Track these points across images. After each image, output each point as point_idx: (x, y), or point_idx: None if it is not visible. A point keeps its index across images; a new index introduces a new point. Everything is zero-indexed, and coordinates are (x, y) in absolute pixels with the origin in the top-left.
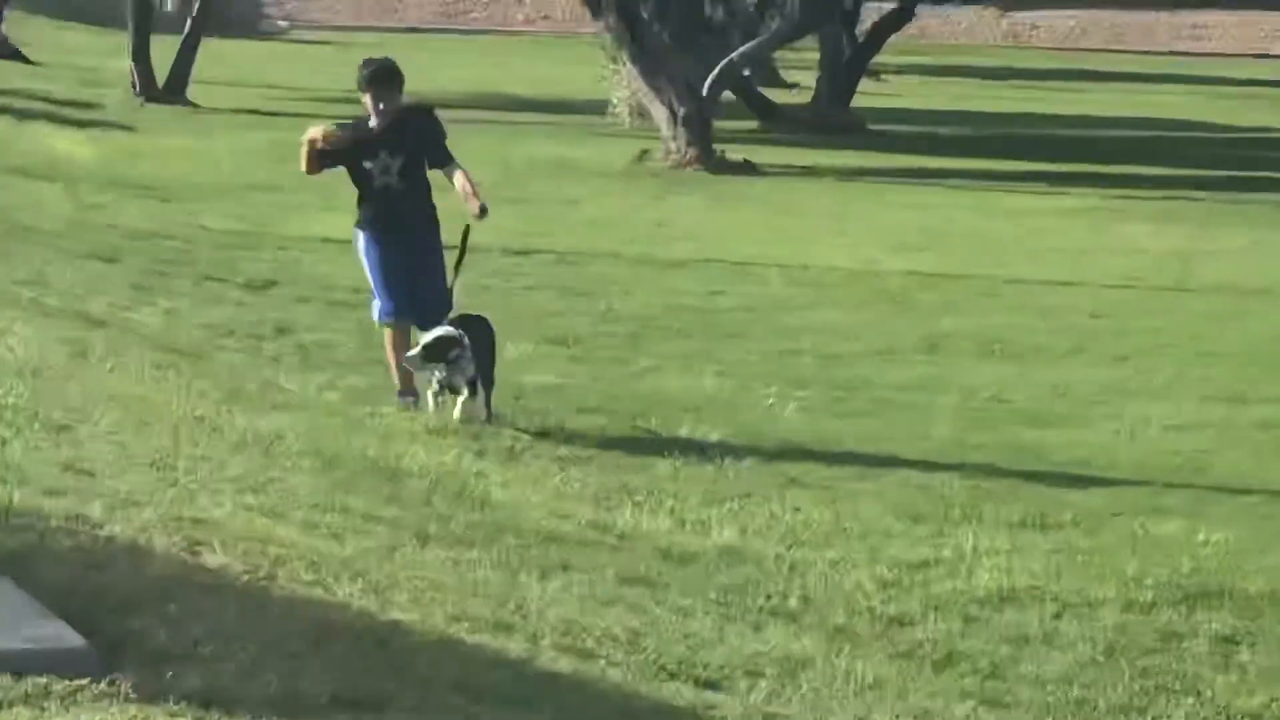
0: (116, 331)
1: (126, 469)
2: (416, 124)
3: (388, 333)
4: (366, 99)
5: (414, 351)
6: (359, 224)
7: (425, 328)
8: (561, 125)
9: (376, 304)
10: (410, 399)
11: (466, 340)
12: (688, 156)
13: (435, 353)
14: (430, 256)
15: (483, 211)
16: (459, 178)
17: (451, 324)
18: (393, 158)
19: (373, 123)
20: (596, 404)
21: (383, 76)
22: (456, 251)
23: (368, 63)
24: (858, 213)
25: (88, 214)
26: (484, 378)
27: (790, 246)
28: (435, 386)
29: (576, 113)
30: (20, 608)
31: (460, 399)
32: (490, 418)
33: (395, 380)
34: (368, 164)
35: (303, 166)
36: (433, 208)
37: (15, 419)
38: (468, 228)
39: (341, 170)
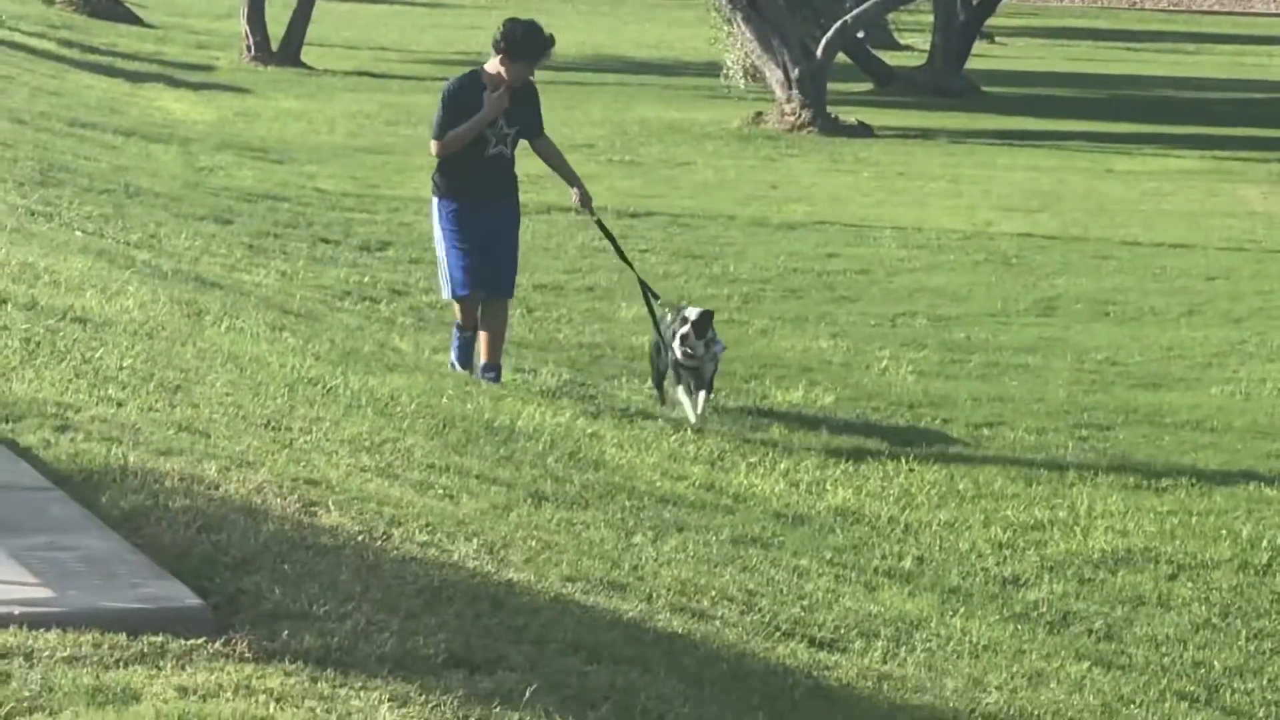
0: (231, 293)
1: (241, 430)
2: (530, 94)
3: (459, 306)
4: (510, 66)
5: (684, 329)
6: (445, 193)
7: (498, 294)
8: (675, 88)
9: (446, 278)
10: (463, 341)
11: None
12: (802, 119)
13: (702, 327)
14: (514, 226)
15: (585, 202)
16: (557, 157)
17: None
18: (509, 126)
19: (492, 90)
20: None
21: (543, 48)
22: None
23: (526, 31)
24: (971, 175)
25: (202, 176)
26: (713, 376)
27: (904, 209)
28: (675, 385)
29: (690, 75)
30: (136, 567)
31: (701, 396)
32: (703, 420)
33: (460, 317)
34: (488, 131)
35: (451, 146)
36: (516, 178)
37: (130, 380)
38: (599, 221)
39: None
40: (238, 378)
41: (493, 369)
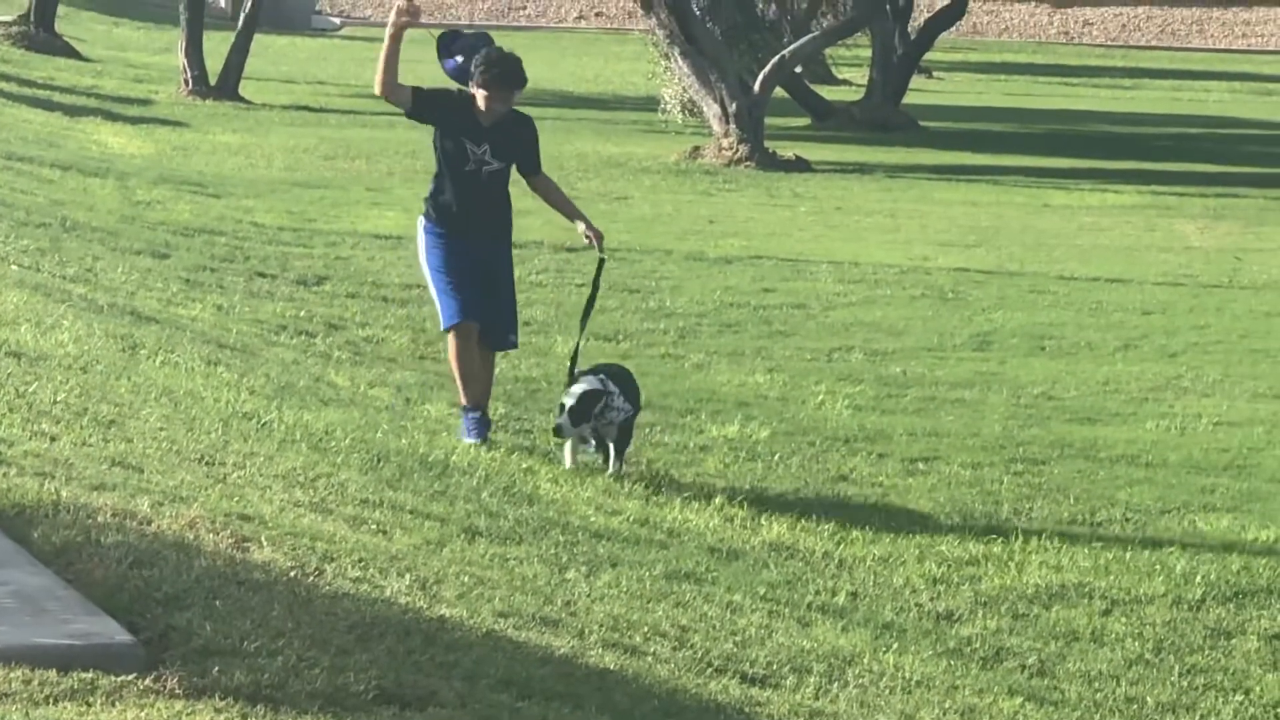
0: (167, 327)
1: (175, 465)
2: (524, 135)
3: (453, 340)
4: (482, 96)
5: (560, 419)
6: (430, 217)
7: (493, 347)
8: (613, 122)
9: (441, 308)
10: (475, 423)
11: (610, 385)
12: (739, 153)
13: (581, 413)
14: (505, 268)
15: (598, 241)
16: (557, 194)
17: (588, 374)
18: (494, 158)
19: (479, 117)
20: (646, 400)
21: (512, 80)
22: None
23: (494, 60)
24: (909, 210)
25: (139, 210)
26: (622, 439)
27: (841, 243)
28: (584, 447)
29: (627, 109)
30: (67, 603)
31: (614, 456)
32: (619, 473)
33: (462, 397)
34: (472, 146)
35: (379, 71)
36: (510, 218)
37: (64, 414)
38: (602, 261)
39: (388, 169)
40: (172, 412)
41: (476, 409)
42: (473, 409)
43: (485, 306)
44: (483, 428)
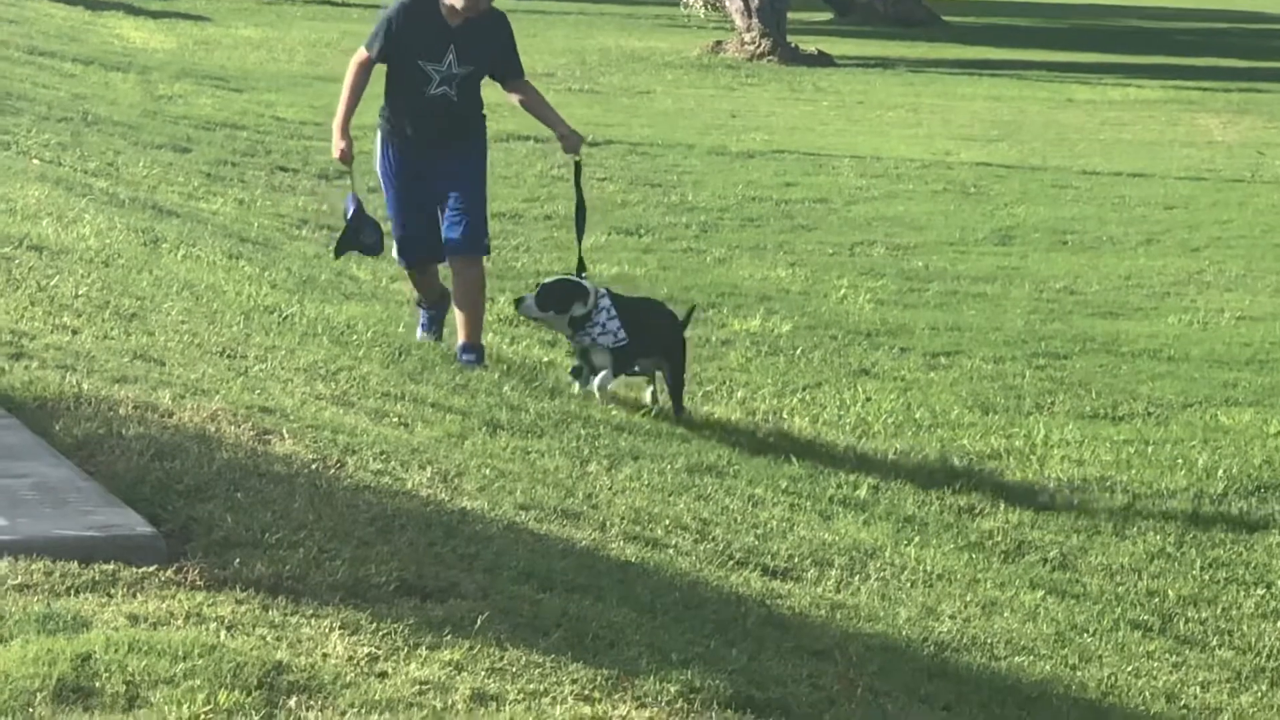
0: (188, 221)
1: (196, 358)
2: (495, 31)
3: (408, 274)
4: None
5: (526, 297)
6: (385, 134)
7: (462, 251)
8: (635, 17)
9: (395, 242)
10: (428, 319)
11: (605, 300)
12: (761, 48)
13: (551, 299)
14: (472, 178)
15: (572, 144)
16: (537, 100)
17: (605, 292)
18: (460, 64)
19: (448, 18)
20: (668, 294)
21: None
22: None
23: None
24: (931, 105)
25: (160, 104)
26: (674, 372)
27: (863, 138)
28: (573, 360)
29: (650, 4)
30: (88, 495)
31: (597, 378)
32: (681, 411)
33: (419, 295)
34: (427, 65)
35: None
36: (483, 124)
37: (86, 308)
38: (578, 165)
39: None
40: (193, 306)
41: (472, 350)
42: (426, 306)
43: (428, 228)
44: (434, 327)
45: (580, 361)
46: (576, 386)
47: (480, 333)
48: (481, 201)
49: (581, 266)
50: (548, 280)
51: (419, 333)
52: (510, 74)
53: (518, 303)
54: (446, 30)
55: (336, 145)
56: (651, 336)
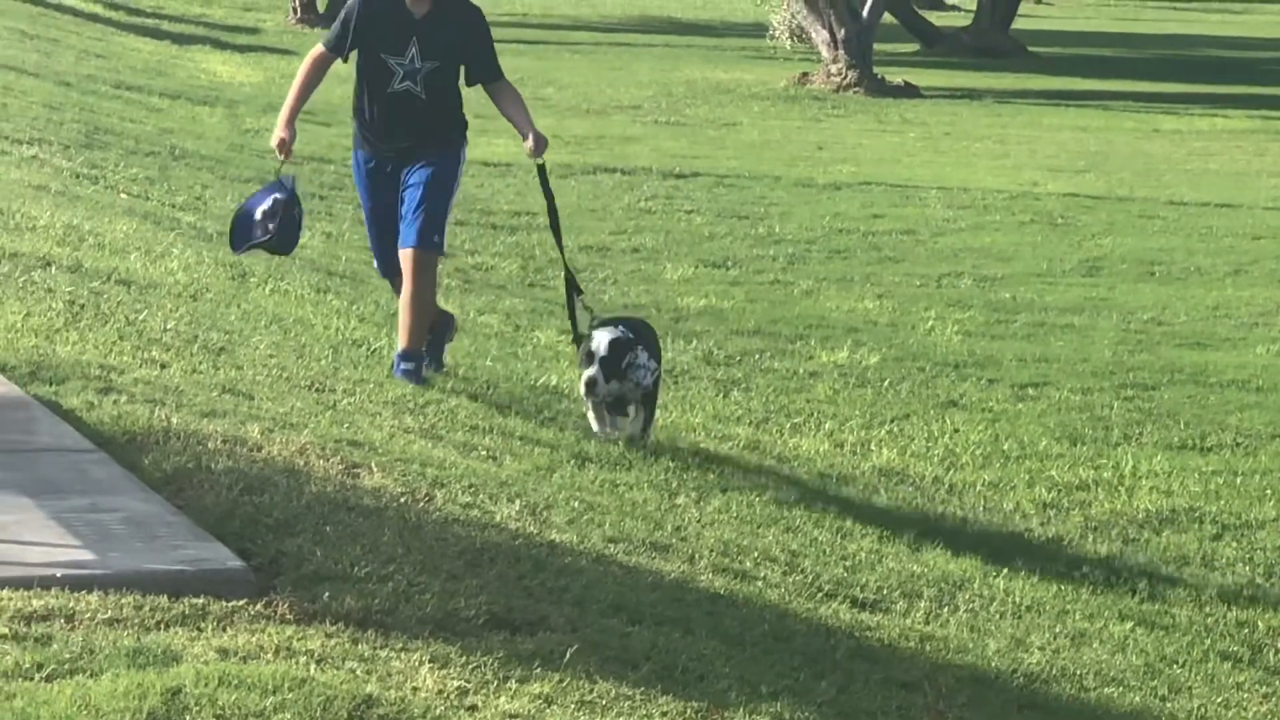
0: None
1: (285, 391)
2: (466, 24)
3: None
4: None
5: (591, 372)
6: (357, 138)
7: (405, 245)
8: (721, 49)
9: (373, 253)
10: (423, 368)
11: (632, 336)
12: (848, 79)
13: (614, 364)
14: (437, 179)
15: (538, 147)
16: (512, 103)
17: (607, 324)
18: (424, 59)
19: (411, 8)
20: (755, 326)
21: None
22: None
23: None
24: (1018, 135)
25: (247, 138)
26: (648, 396)
27: (950, 169)
28: (594, 408)
29: (736, 36)
30: (178, 529)
31: (629, 419)
32: (645, 440)
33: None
34: (389, 58)
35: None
36: (459, 133)
37: (174, 342)
38: (541, 168)
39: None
40: (282, 340)
41: (410, 358)
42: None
43: (413, 212)
44: (434, 351)
45: (611, 402)
46: (597, 423)
47: (422, 339)
48: (441, 201)
49: (572, 281)
50: (600, 348)
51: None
52: (486, 75)
53: (589, 388)
54: (410, 22)
55: (276, 134)
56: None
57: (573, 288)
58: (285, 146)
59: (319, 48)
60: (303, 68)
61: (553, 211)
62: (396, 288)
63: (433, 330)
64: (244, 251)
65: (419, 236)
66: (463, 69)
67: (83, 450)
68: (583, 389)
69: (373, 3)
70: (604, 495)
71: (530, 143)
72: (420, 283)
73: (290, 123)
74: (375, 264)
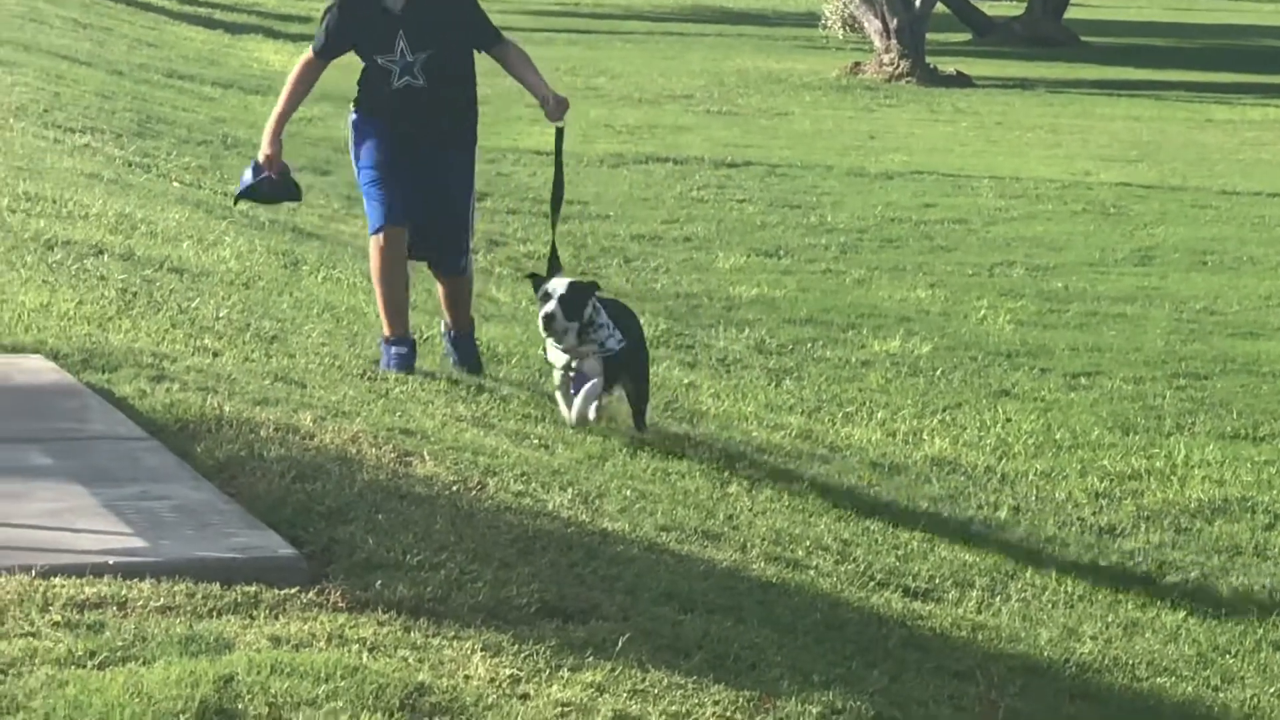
0: (328, 244)
1: (337, 380)
2: (449, 4)
3: (376, 248)
4: None
5: (549, 307)
6: (361, 126)
7: (443, 271)
8: (773, 38)
9: (369, 210)
10: (398, 358)
11: (600, 308)
12: (900, 69)
13: (574, 305)
14: (458, 179)
15: (558, 109)
16: (522, 65)
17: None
18: (414, 51)
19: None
20: (808, 315)
21: None
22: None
23: None
24: (1070, 125)
25: (300, 127)
26: (638, 388)
27: (1002, 159)
28: (558, 376)
29: (788, 25)
30: (230, 517)
31: (585, 391)
32: (643, 427)
33: (385, 326)
34: (382, 58)
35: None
36: (471, 116)
37: (227, 330)
38: (560, 132)
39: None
40: (334, 328)
41: (464, 336)
42: (396, 341)
43: (430, 225)
44: (408, 359)
45: (562, 374)
46: (565, 408)
47: (469, 321)
48: (467, 219)
49: (555, 259)
50: (558, 289)
51: (386, 368)
52: (483, 42)
53: (547, 322)
54: (390, 17)
55: (263, 150)
56: (628, 339)
57: (555, 267)
58: (273, 162)
59: (307, 53)
60: (291, 75)
61: (559, 183)
62: (389, 244)
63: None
64: (245, 198)
65: (458, 267)
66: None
67: (135, 438)
68: (541, 325)
69: (347, 6)
70: (656, 483)
71: (550, 105)
72: (467, 288)
73: (276, 137)
74: (374, 217)
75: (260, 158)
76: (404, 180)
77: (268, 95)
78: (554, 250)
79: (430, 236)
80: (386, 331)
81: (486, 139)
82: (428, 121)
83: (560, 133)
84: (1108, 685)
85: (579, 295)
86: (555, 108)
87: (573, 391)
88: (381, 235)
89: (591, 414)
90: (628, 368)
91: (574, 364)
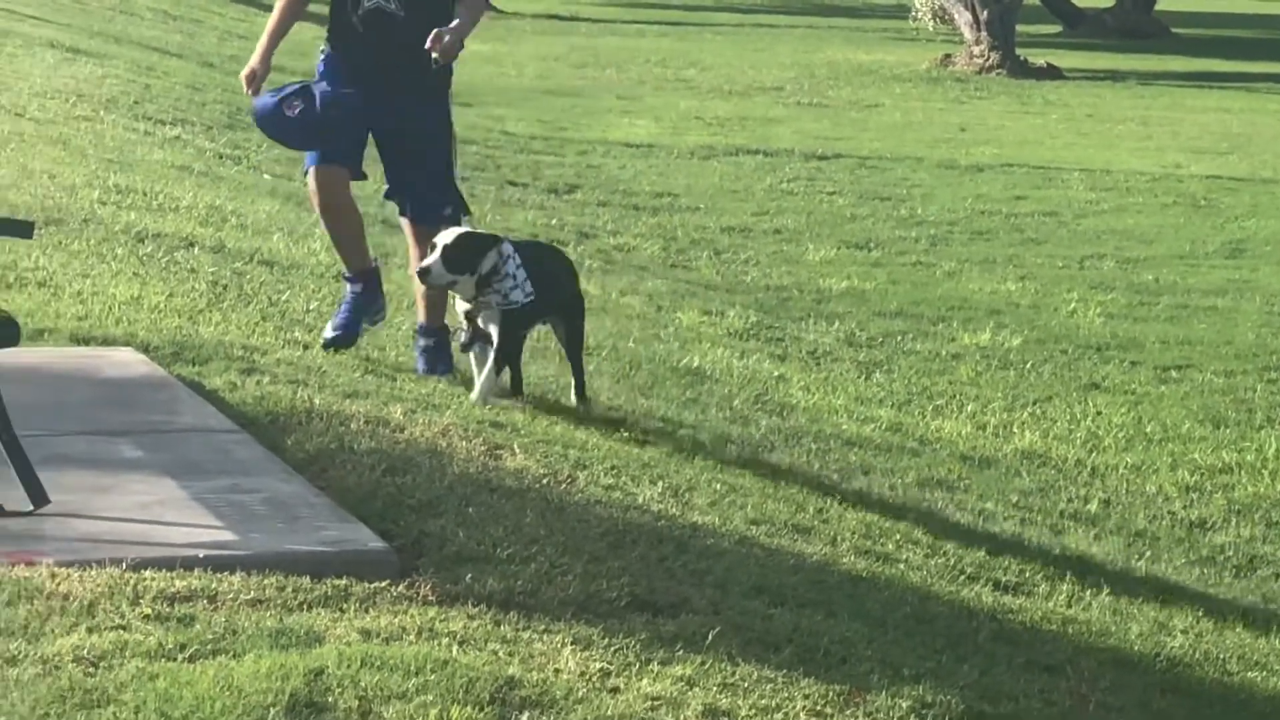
0: None
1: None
2: None
3: (312, 186)
4: None
5: (429, 260)
6: (329, 39)
7: (424, 221)
8: (863, 30)
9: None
10: (350, 300)
11: (509, 247)
12: (990, 61)
13: (461, 258)
14: (432, 128)
15: (437, 42)
16: (468, 8)
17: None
18: None
19: None
20: (898, 308)
21: None
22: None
23: None
24: (1160, 117)
25: None
26: (572, 339)
27: (1093, 151)
28: (461, 333)
29: (878, 17)
30: (320, 510)
31: (482, 378)
32: (583, 400)
33: (343, 265)
34: None
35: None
36: (444, 69)
37: (317, 322)
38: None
39: (639, 77)
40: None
41: (431, 333)
42: (353, 278)
43: (407, 178)
44: (365, 302)
45: (469, 330)
46: (478, 368)
47: (444, 314)
48: (443, 165)
49: (462, 207)
50: (445, 238)
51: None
52: None
53: (422, 274)
54: None
55: (249, 65)
56: (550, 291)
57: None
58: (255, 79)
59: None
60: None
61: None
62: (322, 190)
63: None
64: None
65: (444, 215)
66: None
67: (225, 431)
68: (416, 275)
69: None
70: (746, 477)
71: (445, 42)
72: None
73: (267, 55)
74: (310, 157)
75: (245, 71)
76: (358, 118)
77: None
78: (460, 199)
79: (413, 189)
80: (344, 269)
81: (578, 130)
82: (397, 55)
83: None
84: (1198, 679)
85: (468, 246)
86: (442, 45)
87: (476, 352)
88: (315, 177)
89: (490, 398)
90: (547, 317)
91: (479, 319)
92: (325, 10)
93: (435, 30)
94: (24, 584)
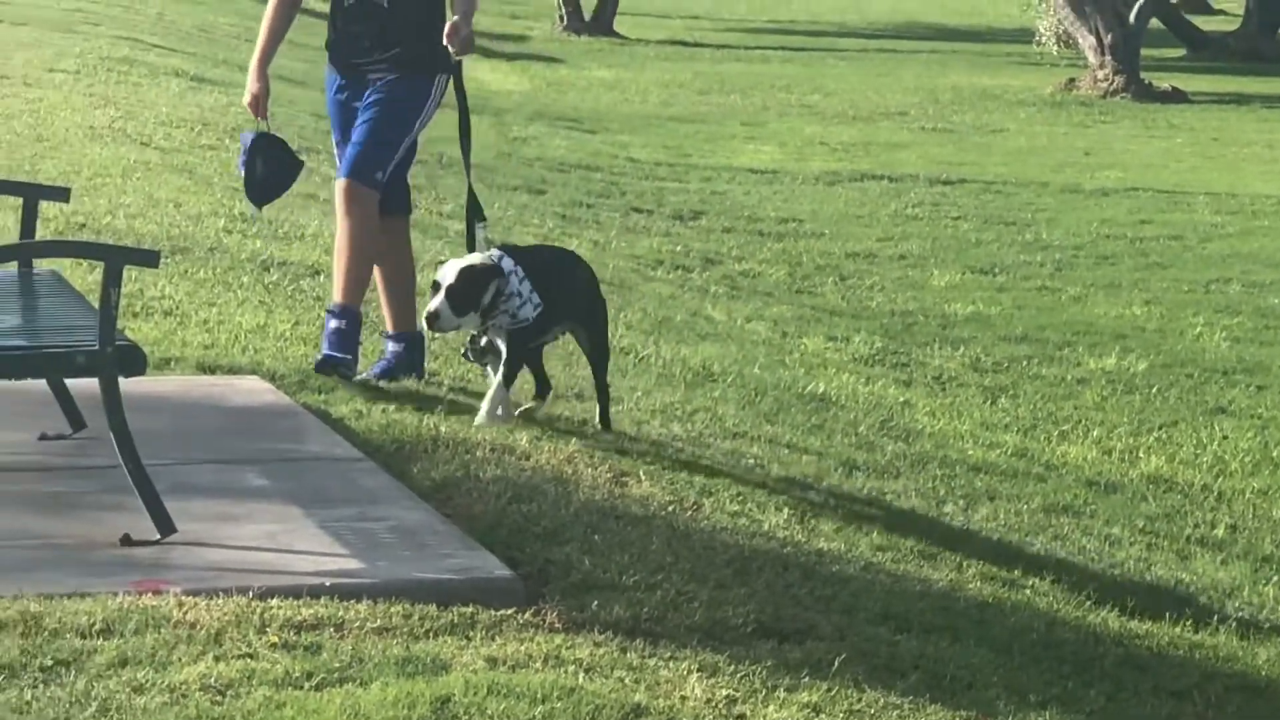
0: None
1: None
2: None
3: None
4: None
5: (433, 305)
6: (329, 60)
7: (340, 176)
8: (987, 54)
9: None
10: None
11: (509, 261)
12: (1115, 85)
13: (465, 295)
14: (394, 95)
15: (453, 37)
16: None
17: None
18: None
19: None
20: (1023, 332)
21: None
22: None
23: None
24: None
25: (515, 146)
26: (597, 364)
27: (1218, 174)
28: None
29: (1002, 42)
30: (446, 537)
31: (496, 378)
32: (607, 429)
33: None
34: None
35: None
36: (432, 49)
37: (443, 350)
38: (457, 64)
39: (763, 103)
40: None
41: (336, 314)
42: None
43: (356, 136)
44: (341, 336)
45: (474, 346)
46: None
47: (356, 293)
48: (393, 130)
49: (477, 208)
50: (447, 277)
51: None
52: None
53: (430, 321)
54: None
55: (248, 90)
56: (561, 298)
57: (474, 213)
58: (259, 104)
59: None
60: (270, 5)
61: (464, 121)
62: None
63: (409, 339)
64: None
65: (352, 166)
66: None
67: (351, 459)
68: (424, 322)
69: None
70: (872, 503)
71: (458, 37)
72: (350, 222)
73: (262, 72)
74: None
75: (246, 97)
76: (343, 115)
77: (483, 114)
78: (471, 198)
79: (351, 145)
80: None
81: (702, 156)
82: (375, 44)
83: (458, 67)
84: None
85: (472, 281)
86: (457, 39)
87: (488, 371)
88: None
89: (497, 419)
90: (562, 325)
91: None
92: (322, 7)
93: (451, 22)
94: (151, 612)
